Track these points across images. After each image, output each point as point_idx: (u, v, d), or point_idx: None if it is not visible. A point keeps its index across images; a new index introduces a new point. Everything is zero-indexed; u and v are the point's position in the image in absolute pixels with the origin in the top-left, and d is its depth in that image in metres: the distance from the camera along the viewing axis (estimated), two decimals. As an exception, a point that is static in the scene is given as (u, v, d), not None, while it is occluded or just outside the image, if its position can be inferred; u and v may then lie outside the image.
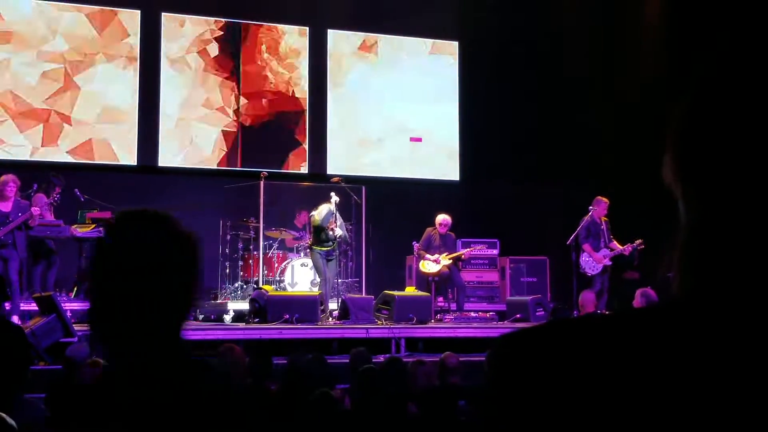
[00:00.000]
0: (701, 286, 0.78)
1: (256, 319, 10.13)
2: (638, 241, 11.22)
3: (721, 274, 0.77)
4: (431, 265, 11.71)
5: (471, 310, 11.99)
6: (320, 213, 11.05)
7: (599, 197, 11.53)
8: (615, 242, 11.49)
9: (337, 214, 11.11)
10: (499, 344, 0.80)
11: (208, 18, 13.83)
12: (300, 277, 11.85)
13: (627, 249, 11.33)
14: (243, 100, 13.95)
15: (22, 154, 12.73)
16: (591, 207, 11.49)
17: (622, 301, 11.25)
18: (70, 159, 12.87)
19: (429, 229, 11.92)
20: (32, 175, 11.07)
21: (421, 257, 11.86)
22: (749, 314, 0.74)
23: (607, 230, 11.51)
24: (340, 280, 11.56)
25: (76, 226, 10.78)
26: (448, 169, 14.86)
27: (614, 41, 13.80)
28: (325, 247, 11.01)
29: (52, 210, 10.77)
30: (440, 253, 11.73)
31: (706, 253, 0.79)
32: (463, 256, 12.17)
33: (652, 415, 0.72)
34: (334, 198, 11.07)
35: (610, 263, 11.47)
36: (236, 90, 13.93)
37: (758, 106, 0.77)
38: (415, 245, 12.03)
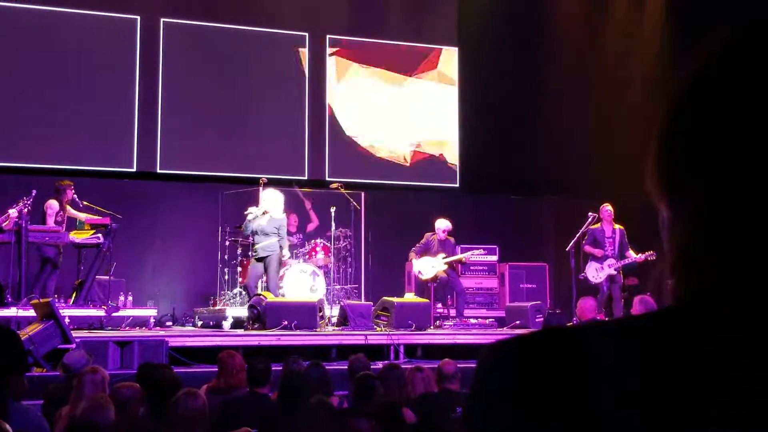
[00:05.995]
0: (699, 296, 0.74)
1: (255, 326, 10.10)
2: (649, 252, 10.88)
3: (720, 282, 0.73)
4: (422, 265, 11.58)
5: (470, 317, 11.97)
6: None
7: (604, 204, 11.29)
8: (631, 251, 11.11)
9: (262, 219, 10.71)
10: (488, 351, 0.78)
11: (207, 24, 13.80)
12: (299, 283, 11.80)
13: (640, 258, 10.96)
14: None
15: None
16: (593, 214, 11.29)
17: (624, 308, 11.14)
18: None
19: (428, 234, 11.88)
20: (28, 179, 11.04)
21: (410, 258, 11.81)
22: (751, 322, 0.70)
23: (621, 238, 11.14)
24: (339, 286, 11.49)
25: (74, 232, 10.69)
26: (447, 176, 14.84)
27: (617, 51, 13.81)
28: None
29: (66, 214, 10.68)
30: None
31: (702, 263, 0.74)
32: (464, 260, 12.13)
33: (640, 428, 0.70)
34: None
35: (616, 272, 11.16)
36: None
37: (757, 98, 0.70)
38: (414, 251, 12.00)
